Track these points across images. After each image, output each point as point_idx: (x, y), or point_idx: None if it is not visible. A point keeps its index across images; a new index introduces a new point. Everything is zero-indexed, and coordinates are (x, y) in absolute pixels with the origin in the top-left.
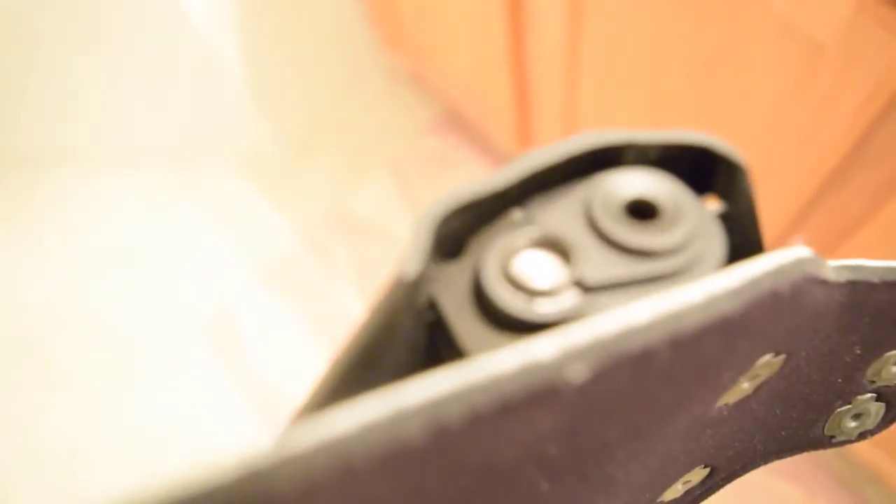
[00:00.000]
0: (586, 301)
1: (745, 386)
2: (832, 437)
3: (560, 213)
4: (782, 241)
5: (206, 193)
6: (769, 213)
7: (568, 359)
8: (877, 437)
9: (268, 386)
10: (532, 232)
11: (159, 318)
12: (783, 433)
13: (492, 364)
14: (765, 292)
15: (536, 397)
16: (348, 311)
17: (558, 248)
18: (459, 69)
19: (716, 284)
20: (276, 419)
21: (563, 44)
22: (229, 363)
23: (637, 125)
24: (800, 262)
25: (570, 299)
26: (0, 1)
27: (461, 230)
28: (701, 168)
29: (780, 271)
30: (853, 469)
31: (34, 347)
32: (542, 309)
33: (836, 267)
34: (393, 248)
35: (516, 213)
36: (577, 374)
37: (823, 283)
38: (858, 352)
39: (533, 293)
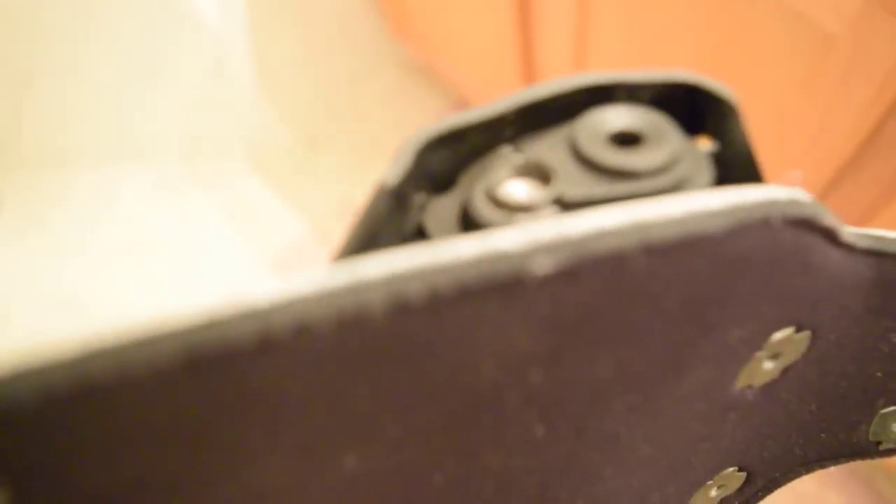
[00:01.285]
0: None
1: (769, 366)
2: (878, 442)
3: (546, 145)
4: None
5: (217, 186)
6: None
7: (533, 251)
8: None
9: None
10: (516, 160)
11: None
12: (823, 435)
13: (454, 248)
14: (752, 220)
15: (499, 286)
16: None
17: (541, 173)
18: (469, 60)
19: (696, 201)
20: None
21: (571, 35)
22: None
23: None
24: (796, 202)
25: (549, 215)
26: None
27: (453, 166)
28: (695, 110)
29: (771, 203)
30: (869, 463)
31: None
32: (521, 223)
33: (855, 232)
34: None
35: (506, 149)
36: (542, 266)
37: (833, 241)
38: (885, 331)
39: (513, 209)
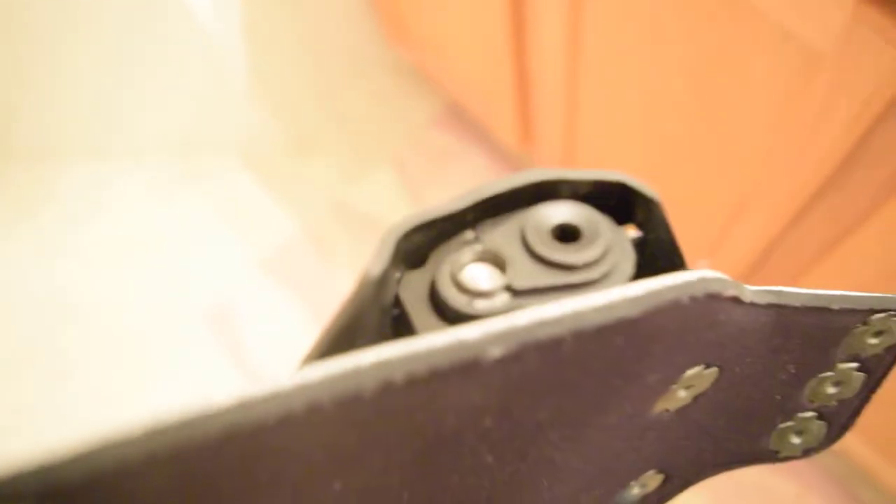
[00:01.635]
0: (515, 302)
1: (682, 394)
2: (777, 451)
3: (501, 234)
4: (779, 241)
5: (209, 185)
6: (768, 215)
7: (488, 341)
8: (872, 437)
9: (267, 376)
10: (477, 247)
11: (162, 309)
12: (730, 445)
13: (428, 340)
14: (665, 302)
15: (461, 367)
16: None
17: (497, 261)
18: (462, 64)
19: (618, 292)
20: None
21: (563, 41)
22: (231, 353)
23: (636, 123)
24: (703, 281)
25: (502, 300)
26: None
27: (425, 246)
28: (625, 201)
29: (681, 286)
30: (848, 468)
31: (42, 337)
32: (479, 306)
33: (756, 290)
34: None
35: (469, 234)
36: (494, 352)
37: (737, 302)
38: (793, 371)
39: (474, 294)
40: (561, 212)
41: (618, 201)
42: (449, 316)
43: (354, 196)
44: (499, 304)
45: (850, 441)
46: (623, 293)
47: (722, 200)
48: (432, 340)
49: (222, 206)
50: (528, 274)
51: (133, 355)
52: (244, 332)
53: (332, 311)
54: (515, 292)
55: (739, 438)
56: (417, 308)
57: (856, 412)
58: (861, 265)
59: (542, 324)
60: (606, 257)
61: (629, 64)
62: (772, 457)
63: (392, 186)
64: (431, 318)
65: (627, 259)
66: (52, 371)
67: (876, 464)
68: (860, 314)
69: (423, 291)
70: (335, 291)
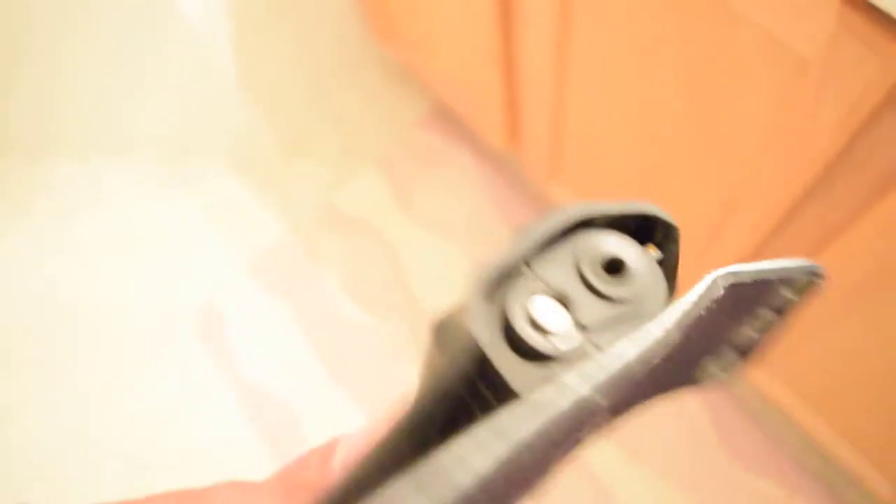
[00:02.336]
0: (585, 337)
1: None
2: (698, 379)
3: (557, 268)
4: (769, 242)
5: (197, 186)
6: (758, 216)
7: (597, 392)
8: (859, 441)
9: (252, 378)
10: (541, 286)
11: (149, 309)
12: (666, 382)
13: (556, 406)
14: (693, 320)
15: (583, 420)
16: (334, 305)
17: (561, 298)
18: (450, 65)
19: (667, 320)
20: (258, 411)
21: (552, 42)
22: (216, 355)
23: (624, 125)
24: (710, 288)
25: (575, 337)
26: None
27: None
28: (644, 225)
29: (699, 301)
30: (834, 471)
31: (29, 334)
32: (560, 346)
33: (724, 275)
34: (380, 242)
35: (524, 268)
36: (603, 402)
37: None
38: (730, 324)
39: (552, 334)
40: (607, 246)
41: (637, 224)
42: (528, 353)
43: (342, 198)
44: (575, 343)
45: (837, 445)
46: (670, 320)
47: (712, 201)
48: (559, 405)
49: (209, 206)
50: (591, 309)
51: (120, 355)
52: (229, 334)
53: (319, 311)
54: (583, 327)
55: (677, 377)
56: (494, 344)
57: (766, 343)
58: (850, 265)
59: (628, 366)
60: (648, 286)
61: (618, 66)
62: (693, 383)
63: (380, 188)
64: (509, 354)
65: (660, 284)
66: (43, 367)
67: (861, 467)
68: (792, 280)
69: (496, 323)
70: (320, 293)
